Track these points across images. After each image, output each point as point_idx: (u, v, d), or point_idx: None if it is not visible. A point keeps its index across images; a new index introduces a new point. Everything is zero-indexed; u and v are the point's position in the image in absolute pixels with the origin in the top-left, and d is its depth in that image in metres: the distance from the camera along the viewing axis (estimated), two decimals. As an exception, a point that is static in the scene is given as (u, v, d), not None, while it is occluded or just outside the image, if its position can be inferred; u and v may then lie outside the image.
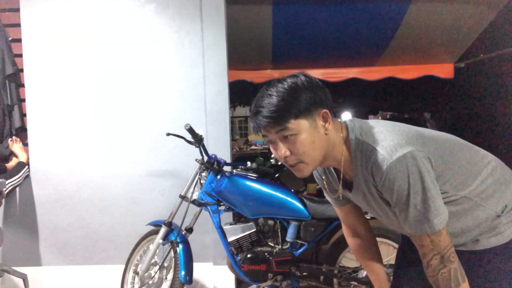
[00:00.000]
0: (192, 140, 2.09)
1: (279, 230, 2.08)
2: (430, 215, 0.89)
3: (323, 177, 1.17)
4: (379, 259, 1.30)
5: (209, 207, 2.09)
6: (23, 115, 2.66)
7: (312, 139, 0.93)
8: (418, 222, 0.91)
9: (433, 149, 0.94)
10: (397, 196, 0.90)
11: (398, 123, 1.01)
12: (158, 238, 2.11)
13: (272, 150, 0.99)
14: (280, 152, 0.94)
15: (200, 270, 2.54)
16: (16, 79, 2.64)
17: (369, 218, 1.94)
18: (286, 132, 0.91)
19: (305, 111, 0.91)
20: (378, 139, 0.94)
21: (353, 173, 1.00)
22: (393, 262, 1.42)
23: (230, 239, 2.05)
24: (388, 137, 0.93)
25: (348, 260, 2.12)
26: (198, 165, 2.12)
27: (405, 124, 1.02)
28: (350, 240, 1.33)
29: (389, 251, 2.07)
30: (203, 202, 2.08)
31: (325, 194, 1.25)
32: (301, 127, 0.91)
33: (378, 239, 2.04)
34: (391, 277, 1.31)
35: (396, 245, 1.98)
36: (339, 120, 1.03)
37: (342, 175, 1.04)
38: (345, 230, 1.33)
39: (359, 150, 0.96)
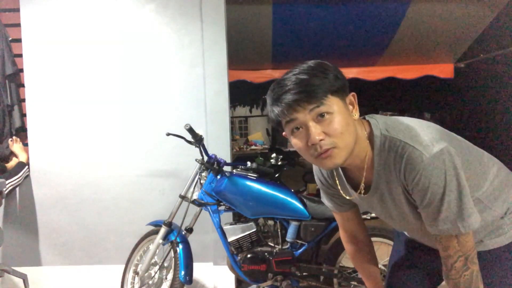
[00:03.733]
0: (192, 140, 2.09)
1: (279, 230, 2.07)
2: (464, 214, 0.85)
3: (329, 182, 1.10)
4: (375, 264, 1.27)
5: (209, 207, 2.09)
6: (23, 115, 2.66)
7: (347, 120, 0.85)
8: (451, 221, 0.86)
9: (457, 147, 0.90)
10: (430, 195, 0.85)
11: (420, 119, 0.96)
12: (158, 238, 2.11)
13: (296, 141, 0.87)
14: (313, 135, 0.82)
15: (200, 270, 2.53)
16: (16, 79, 2.64)
17: (368, 218, 1.95)
18: (322, 108, 0.82)
19: (338, 89, 0.84)
20: (410, 135, 0.87)
21: (372, 173, 0.94)
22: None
23: (230, 239, 2.05)
24: (421, 132, 0.87)
25: (348, 260, 2.12)
26: (198, 165, 2.12)
27: (426, 121, 0.98)
28: (347, 246, 1.28)
29: (389, 251, 2.07)
30: (203, 202, 2.08)
31: (324, 198, 1.19)
32: (337, 105, 0.83)
33: (378, 239, 2.06)
34: (386, 276, 1.31)
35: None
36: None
37: (362, 176, 0.97)
38: (343, 235, 1.28)
39: (385, 148, 0.89)
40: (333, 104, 0.83)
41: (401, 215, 0.99)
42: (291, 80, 0.83)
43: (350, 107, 0.88)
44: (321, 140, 0.83)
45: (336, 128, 0.83)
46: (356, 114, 0.89)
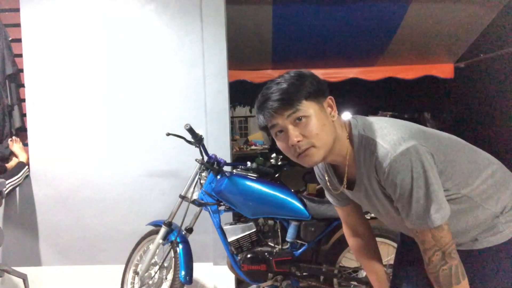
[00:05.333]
0: (192, 140, 2.09)
1: (279, 230, 2.07)
2: (432, 209, 0.89)
3: (325, 176, 1.17)
4: (378, 259, 1.30)
5: (209, 207, 2.09)
6: (23, 115, 2.66)
7: (323, 121, 0.94)
8: (420, 216, 0.91)
9: (435, 145, 0.94)
10: (400, 190, 0.90)
11: (400, 120, 1.02)
12: (158, 238, 2.11)
13: (280, 143, 0.98)
14: (292, 137, 0.93)
15: (200, 270, 2.54)
16: (16, 79, 2.64)
17: (369, 218, 1.95)
18: (298, 113, 0.92)
19: (314, 94, 0.94)
20: (382, 134, 0.94)
21: (355, 170, 1.01)
22: (392, 262, 1.42)
23: (230, 239, 2.05)
24: (392, 131, 0.94)
25: (348, 260, 2.12)
26: (198, 165, 2.12)
27: (406, 121, 1.03)
28: (350, 240, 1.33)
29: (389, 251, 2.07)
30: (203, 202, 2.08)
31: (326, 194, 1.25)
32: (312, 108, 0.93)
33: (378, 239, 2.05)
34: (391, 277, 1.31)
35: (396, 245, 1.97)
36: (343, 118, 1.05)
37: (345, 173, 1.04)
38: (345, 230, 1.33)
39: (362, 146, 0.97)
40: (308, 108, 0.93)
41: (385, 210, 1.04)
42: (272, 89, 0.95)
43: (329, 109, 0.98)
44: (299, 141, 0.93)
45: (311, 130, 0.93)
46: (334, 115, 0.98)
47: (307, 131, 0.93)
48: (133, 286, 2.27)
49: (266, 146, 8.96)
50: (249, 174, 2.08)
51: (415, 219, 0.92)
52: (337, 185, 1.12)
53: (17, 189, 2.59)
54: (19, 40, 2.62)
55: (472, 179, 0.98)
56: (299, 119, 0.93)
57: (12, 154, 2.63)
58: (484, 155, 1.04)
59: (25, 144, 2.67)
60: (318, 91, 0.95)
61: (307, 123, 0.93)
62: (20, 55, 2.63)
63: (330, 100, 0.98)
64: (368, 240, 1.29)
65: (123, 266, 2.31)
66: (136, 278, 2.24)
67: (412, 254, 1.22)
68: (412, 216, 0.92)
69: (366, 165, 0.97)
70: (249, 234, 2.04)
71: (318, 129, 0.93)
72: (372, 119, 1.02)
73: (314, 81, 0.96)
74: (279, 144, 0.99)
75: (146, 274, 2.15)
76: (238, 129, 12.87)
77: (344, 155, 1.00)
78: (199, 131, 2.08)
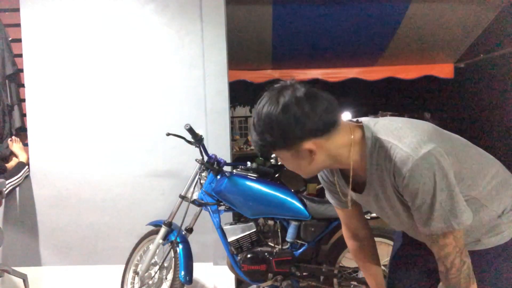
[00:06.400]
0: (192, 140, 2.09)
1: (279, 230, 2.07)
2: (457, 211, 0.87)
3: (330, 179, 1.14)
4: (377, 261, 1.28)
5: (209, 207, 2.09)
6: (23, 115, 2.66)
7: (297, 164, 0.96)
8: (444, 219, 0.87)
9: (450, 147, 0.91)
10: (421, 195, 0.87)
11: (414, 119, 0.98)
12: (158, 238, 2.11)
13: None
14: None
15: (200, 270, 2.53)
16: (16, 79, 2.64)
17: (369, 218, 1.94)
18: (275, 154, 0.96)
19: (283, 146, 0.91)
20: (399, 136, 0.90)
21: (365, 173, 0.97)
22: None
23: (230, 239, 2.05)
24: (409, 133, 0.89)
25: (348, 260, 2.12)
26: (198, 165, 2.12)
27: (420, 120, 0.99)
28: (350, 242, 1.30)
29: (389, 251, 2.06)
30: (203, 202, 2.08)
31: (328, 196, 1.22)
32: (283, 155, 0.95)
33: (377, 239, 2.05)
34: (388, 274, 1.31)
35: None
36: (348, 121, 1.00)
37: (352, 177, 1.00)
38: (345, 232, 1.30)
39: (376, 149, 0.92)
40: (280, 154, 0.95)
41: (395, 214, 1.01)
42: (251, 131, 0.95)
43: (307, 153, 0.91)
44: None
45: (288, 166, 0.98)
46: (314, 158, 0.92)
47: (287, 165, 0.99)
48: (133, 286, 2.27)
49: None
50: (249, 174, 2.08)
51: (437, 223, 0.88)
52: (346, 190, 1.08)
53: (17, 189, 2.59)
54: (19, 40, 2.62)
55: (480, 180, 0.96)
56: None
57: (12, 154, 2.63)
58: (487, 156, 1.04)
59: (25, 144, 2.67)
60: (294, 141, 0.89)
61: (284, 162, 0.98)
62: (20, 55, 2.63)
63: (310, 149, 0.90)
64: (367, 243, 1.26)
65: (123, 266, 2.31)
66: (136, 278, 2.24)
67: (411, 256, 1.22)
68: (433, 221, 0.88)
69: (379, 169, 0.93)
70: (249, 234, 2.04)
71: (294, 168, 0.98)
72: (386, 120, 0.97)
73: (293, 131, 0.87)
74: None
75: (146, 274, 2.15)
76: (238, 129, 12.86)
77: (347, 163, 0.96)
78: (199, 131, 2.08)
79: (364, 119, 0.99)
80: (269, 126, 0.88)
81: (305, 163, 0.94)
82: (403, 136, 0.89)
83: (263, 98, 0.92)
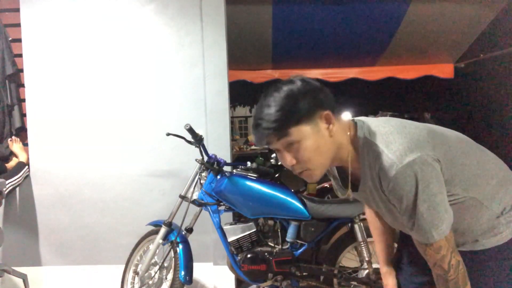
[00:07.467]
0: (192, 140, 2.09)
1: (279, 230, 2.07)
2: (437, 222, 0.89)
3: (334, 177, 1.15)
4: (392, 233, 1.28)
5: (209, 207, 2.09)
6: (23, 115, 2.66)
7: (317, 144, 0.90)
8: (425, 230, 0.90)
9: (444, 151, 0.92)
10: (405, 203, 0.89)
11: (409, 122, 0.98)
12: (158, 238, 2.11)
13: (279, 158, 0.96)
14: (286, 161, 0.92)
15: (200, 270, 2.54)
16: (16, 79, 2.64)
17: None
18: (288, 139, 0.89)
19: (305, 117, 0.88)
20: (387, 142, 0.91)
21: (359, 171, 0.98)
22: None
23: (230, 239, 2.05)
24: (398, 139, 0.90)
25: (348, 260, 2.12)
26: (198, 165, 2.12)
27: (417, 123, 0.99)
28: (368, 211, 1.31)
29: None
30: (203, 202, 2.08)
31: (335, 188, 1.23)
32: (303, 133, 0.88)
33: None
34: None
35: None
36: (346, 118, 1.01)
37: (349, 174, 1.01)
38: (367, 213, 1.32)
39: (366, 150, 0.94)
40: (299, 132, 0.88)
41: (389, 211, 1.02)
42: (263, 114, 0.89)
43: (325, 124, 0.91)
44: (293, 165, 0.92)
45: (303, 155, 0.90)
46: (332, 129, 0.91)
47: (299, 156, 0.90)
48: (133, 286, 2.27)
49: (266, 146, 8.94)
50: (249, 174, 2.08)
51: (420, 232, 0.91)
52: (342, 187, 1.10)
53: (17, 189, 2.59)
54: (19, 40, 2.62)
55: (480, 181, 0.97)
56: (291, 143, 0.89)
57: (12, 154, 2.63)
58: (489, 154, 1.04)
59: (25, 144, 2.67)
60: (313, 107, 0.89)
61: (299, 147, 0.89)
62: (20, 55, 2.63)
63: (327, 115, 0.90)
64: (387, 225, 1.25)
65: (123, 266, 2.31)
66: (136, 278, 2.24)
67: (412, 255, 1.22)
68: (417, 229, 0.92)
69: (370, 168, 0.95)
70: (249, 234, 2.04)
71: (311, 153, 0.90)
72: (380, 122, 0.98)
73: (308, 99, 0.88)
74: (279, 159, 0.97)
75: (146, 274, 2.15)
76: (238, 129, 12.85)
77: (345, 159, 0.98)
78: (199, 131, 2.08)
79: (359, 119, 1.01)
80: (291, 97, 0.88)
81: (323, 142, 0.91)
82: (391, 141, 0.90)
83: (270, 87, 0.93)
